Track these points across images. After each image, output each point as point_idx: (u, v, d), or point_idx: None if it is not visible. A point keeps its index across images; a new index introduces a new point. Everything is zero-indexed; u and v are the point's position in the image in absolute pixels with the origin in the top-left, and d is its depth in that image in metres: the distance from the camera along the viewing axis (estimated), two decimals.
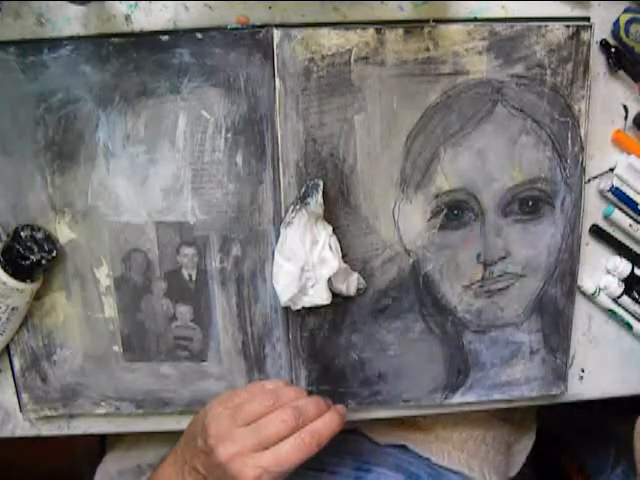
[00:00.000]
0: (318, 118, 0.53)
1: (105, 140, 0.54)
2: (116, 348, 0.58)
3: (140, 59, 0.52)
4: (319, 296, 0.54)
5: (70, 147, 0.54)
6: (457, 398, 0.60)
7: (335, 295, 0.55)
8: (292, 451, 0.49)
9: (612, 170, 0.57)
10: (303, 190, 0.53)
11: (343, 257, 0.55)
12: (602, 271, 0.60)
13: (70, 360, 0.58)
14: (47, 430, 0.62)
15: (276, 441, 0.49)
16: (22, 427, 0.61)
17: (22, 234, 0.54)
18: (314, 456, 0.50)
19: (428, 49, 0.52)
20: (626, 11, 0.53)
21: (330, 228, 0.54)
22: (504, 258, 0.56)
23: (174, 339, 0.58)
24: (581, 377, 0.62)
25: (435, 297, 0.57)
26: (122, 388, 0.59)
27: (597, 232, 0.59)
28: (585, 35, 0.52)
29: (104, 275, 0.57)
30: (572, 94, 0.54)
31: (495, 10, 0.53)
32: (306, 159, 0.54)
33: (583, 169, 0.55)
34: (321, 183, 0.53)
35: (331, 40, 0.51)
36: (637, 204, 0.57)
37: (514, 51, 0.52)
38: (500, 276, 0.57)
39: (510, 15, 0.53)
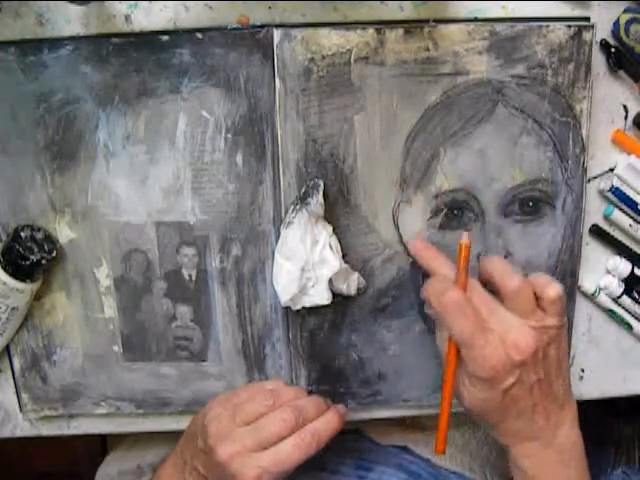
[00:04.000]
0: (318, 118, 0.53)
1: (105, 140, 0.54)
2: (116, 348, 0.58)
3: (140, 59, 0.52)
4: (320, 296, 0.54)
5: (70, 147, 0.54)
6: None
7: (335, 295, 0.55)
8: (292, 451, 0.49)
9: (612, 170, 0.57)
10: (303, 190, 0.53)
11: (343, 257, 0.55)
12: (602, 271, 0.60)
13: (70, 360, 0.58)
14: (47, 430, 0.62)
15: (276, 441, 0.49)
16: (22, 427, 0.61)
17: (22, 234, 0.53)
18: (315, 455, 0.50)
19: (428, 49, 0.52)
20: (626, 11, 0.53)
21: (330, 228, 0.54)
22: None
23: (174, 339, 0.58)
24: (581, 377, 0.62)
25: None
26: (122, 388, 0.59)
27: (597, 232, 0.58)
28: (587, 35, 0.52)
29: (104, 275, 0.57)
30: (573, 94, 0.53)
31: (495, 10, 0.53)
32: (306, 159, 0.54)
33: (584, 170, 0.55)
34: (321, 183, 0.53)
35: (331, 40, 0.51)
36: (637, 204, 0.57)
37: (515, 51, 0.52)
38: None
39: (510, 15, 0.53)
